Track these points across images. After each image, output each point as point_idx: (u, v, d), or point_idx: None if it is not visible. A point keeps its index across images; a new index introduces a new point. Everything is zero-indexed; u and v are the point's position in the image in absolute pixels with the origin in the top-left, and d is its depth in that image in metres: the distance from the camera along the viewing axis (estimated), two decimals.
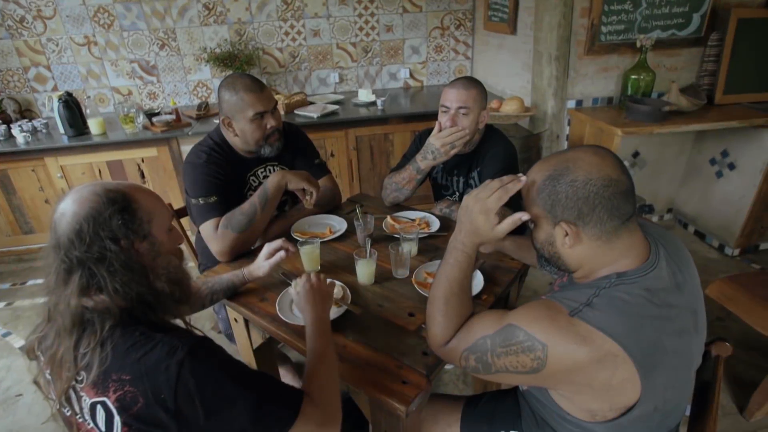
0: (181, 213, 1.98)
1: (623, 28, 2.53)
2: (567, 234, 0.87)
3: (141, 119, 2.92)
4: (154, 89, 3.40)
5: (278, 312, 1.24)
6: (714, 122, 2.40)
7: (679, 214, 3.15)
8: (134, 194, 0.83)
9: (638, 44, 2.48)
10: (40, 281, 2.83)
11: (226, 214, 1.55)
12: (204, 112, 3.10)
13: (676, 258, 0.94)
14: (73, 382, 0.78)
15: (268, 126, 1.64)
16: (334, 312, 1.22)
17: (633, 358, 0.79)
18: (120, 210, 0.79)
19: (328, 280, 1.20)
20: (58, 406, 0.84)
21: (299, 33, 3.41)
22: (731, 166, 2.73)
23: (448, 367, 1.89)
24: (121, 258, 0.79)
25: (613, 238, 0.86)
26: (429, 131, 1.87)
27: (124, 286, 0.78)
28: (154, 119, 2.89)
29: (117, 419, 0.74)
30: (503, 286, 1.37)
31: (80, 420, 0.80)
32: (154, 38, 3.25)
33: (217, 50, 3.26)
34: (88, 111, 2.85)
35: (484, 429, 1.18)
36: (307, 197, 1.64)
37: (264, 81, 2.29)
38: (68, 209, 0.79)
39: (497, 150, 1.70)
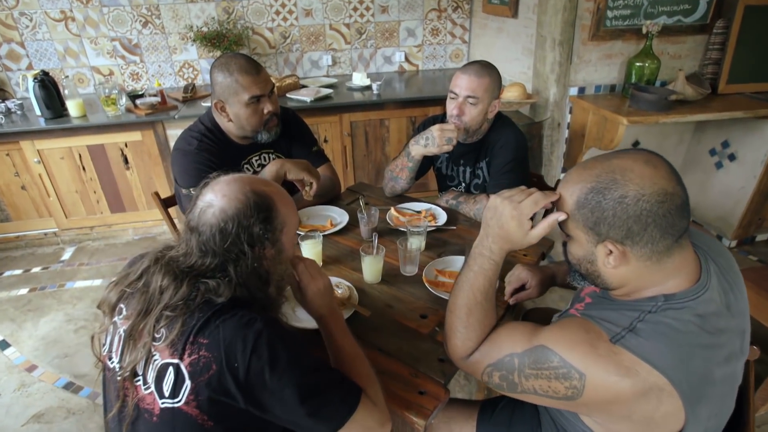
0: (169, 202, 1.85)
1: (629, 13, 2.44)
2: (611, 253, 0.77)
3: (123, 101, 2.75)
4: (137, 69, 3.21)
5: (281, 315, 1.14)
6: (718, 112, 2.33)
7: None
8: (277, 201, 0.85)
9: (644, 30, 2.39)
10: (18, 272, 2.68)
11: None
12: (191, 94, 2.94)
13: (728, 275, 0.85)
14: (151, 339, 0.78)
15: (265, 111, 1.52)
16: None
17: (680, 391, 0.71)
18: (264, 219, 0.82)
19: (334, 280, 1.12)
20: (114, 365, 0.83)
21: (290, 12, 3.24)
22: (731, 157, 2.68)
23: None
24: (251, 262, 0.82)
25: (664, 258, 0.76)
26: (433, 120, 1.76)
27: (243, 286, 0.81)
28: (138, 101, 2.72)
29: (187, 384, 0.73)
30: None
31: (137, 383, 0.78)
32: (136, 15, 3.05)
33: (204, 29, 3.08)
34: (66, 92, 2.66)
35: None
36: (306, 188, 1.53)
37: None
38: (216, 203, 0.81)
39: (508, 139, 1.60)
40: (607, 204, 0.74)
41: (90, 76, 3.17)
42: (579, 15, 2.40)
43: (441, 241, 1.48)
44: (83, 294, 2.51)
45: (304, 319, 1.13)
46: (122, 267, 0.94)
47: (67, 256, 2.88)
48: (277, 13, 3.22)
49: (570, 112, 2.64)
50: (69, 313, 2.38)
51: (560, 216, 0.82)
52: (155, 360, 0.76)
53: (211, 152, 1.51)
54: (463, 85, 1.54)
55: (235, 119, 1.52)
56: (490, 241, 0.91)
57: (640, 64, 2.46)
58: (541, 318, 1.58)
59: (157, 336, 0.77)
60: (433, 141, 1.53)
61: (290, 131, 1.71)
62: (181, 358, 0.74)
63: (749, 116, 2.37)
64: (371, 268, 1.28)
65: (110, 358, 0.84)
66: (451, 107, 1.58)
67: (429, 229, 1.49)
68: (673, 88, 2.40)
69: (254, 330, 0.74)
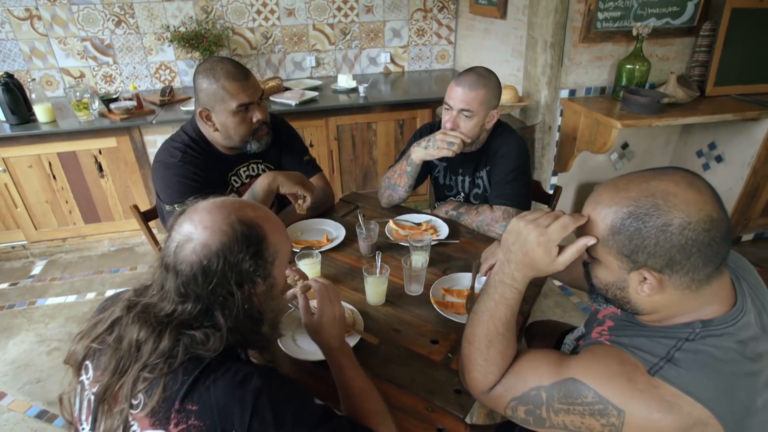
0: (148, 216, 1.72)
1: (619, 15, 2.41)
2: (645, 280, 0.71)
3: (96, 105, 2.59)
4: (109, 71, 3.04)
5: (280, 344, 1.05)
6: (708, 115, 2.33)
7: None
8: (267, 229, 0.74)
9: (634, 32, 2.36)
10: None
11: None
12: (169, 97, 2.79)
13: (759, 292, 0.80)
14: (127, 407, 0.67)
15: (254, 119, 1.42)
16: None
17: (725, 425, 0.66)
18: (254, 253, 0.71)
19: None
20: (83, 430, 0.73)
21: (272, 12, 3.12)
22: (719, 159, 2.69)
23: None
24: (241, 304, 0.71)
25: (703, 286, 0.70)
26: (430, 126, 1.69)
27: (234, 331, 0.70)
28: (113, 105, 2.56)
29: None
30: (530, 302, 1.22)
31: None
32: (108, 14, 2.88)
33: (182, 29, 2.93)
34: (33, 95, 2.48)
35: None
36: (300, 201, 1.43)
37: None
38: (197, 236, 0.69)
39: (510, 147, 1.53)
40: (648, 232, 0.68)
41: (59, 79, 2.99)
42: (570, 17, 2.35)
43: (445, 256, 1.41)
44: (56, 312, 2.35)
45: (306, 350, 1.04)
46: (91, 313, 0.81)
47: (37, 270, 2.70)
48: (258, 12, 3.09)
49: (561, 115, 2.60)
50: (41, 333, 2.21)
51: (590, 240, 0.75)
52: (133, 430, 0.66)
53: (195, 164, 1.40)
54: (457, 97, 1.46)
55: (221, 128, 1.41)
56: (512, 268, 0.83)
57: (631, 66, 2.43)
58: (545, 332, 1.52)
59: (134, 402, 0.65)
60: (434, 144, 1.47)
61: (280, 140, 1.61)
62: (165, 429, 0.63)
63: (737, 118, 2.37)
64: (375, 289, 1.19)
65: (81, 424, 0.73)
66: (445, 119, 1.51)
67: (432, 243, 1.41)
68: (663, 91, 2.38)
69: (252, 388, 0.65)
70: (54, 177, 2.60)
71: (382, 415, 0.82)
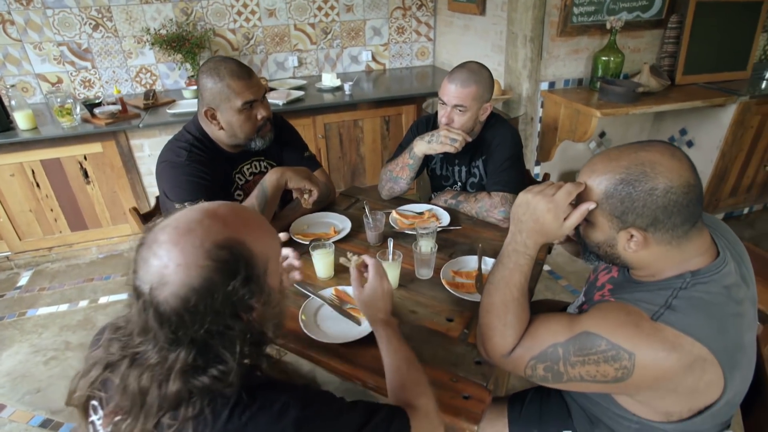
0: (148, 217, 1.73)
1: (593, 10, 2.54)
2: (632, 238, 0.82)
3: (78, 110, 2.55)
4: (88, 76, 2.99)
5: (304, 330, 1.10)
6: (680, 102, 2.47)
7: None
8: (248, 241, 0.63)
9: (608, 26, 2.50)
10: None
11: None
12: (152, 101, 2.77)
13: (736, 247, 0.92)
14: None
15: (259, 116, 1.45)
16: (367, 326, 1.10)
17: (720, 360, 0.76)
18: (244, 278, 0.61)
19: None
20: None
21: (253, 13, 3.13)
22: (689, 144, 2.86)
23: None
24: (243, 333, 0.62)
25: (683, 242, 0.82)
26: (426, 119, 1.75)
27: (240, 361, 0.62)
28: (97, 110, 2.53)
29: None
30: (535, 278, 1.30)
31: None
32: (85, 17, 2.84)
33: (163, 32, 2.91)
34: (13, 102, 2.44)
35: (534, 430, 1.13)
36: (305, 196, 1.48)
37: None
38: (172, 278, 0.58)
39: (504, 136, 1.62)
40: (637, 195, 0.78)
41: (35, 85, 2.93)
42: (548, 12, 2.46)
43: (449, 242, 1.47)
44: (48, 321, 2.32)
45: (332, 335, 1.09)
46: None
47: (23, 281, 2.64)
48: (239, 13, 3.10)
49: (542, 107, 2.71)
50: (35, 343, 2.18)
51: (591, 205, 0.84)
52: None
53: (202, 163, 1.43)
54: (450, 94, 1.54)
55: (227, 127, 1.44)
56: (524, 236, 0.92)
57: (606, 58, 2.56)
58: (545, 309, 1.61)
59: None
60: (438, 139, 1.53)
61: (281, 137, 1.65)
62: None
63: (706, 105, 2.53)
64: (390, 274, 1.24)
65: None
66: (440, 115, 1.59)
67: (437, 229, 1.47)
68: (638, 81, 2.52)
69: (292, 420, 0.62)
70: (38, 185, 2.55)
71: (424, 384, 0.87)
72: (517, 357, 0.91)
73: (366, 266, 1.01)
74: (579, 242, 0.94)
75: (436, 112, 1.65)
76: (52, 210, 2.64)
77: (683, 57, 2.67)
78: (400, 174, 1.65)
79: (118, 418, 0.63)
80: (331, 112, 2.89)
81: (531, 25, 2.45)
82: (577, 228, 0.91)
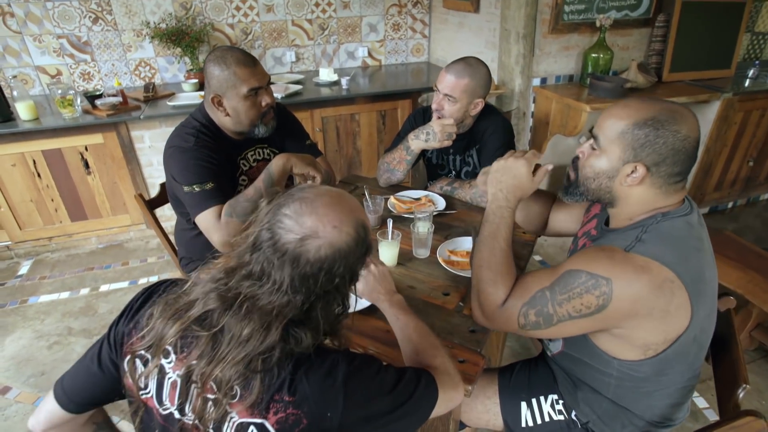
0: (153, 204, 1.80)
1: (584, 8, 2.63)
2: (633, 172, 0.91)
3: (79, 102, 2.60)
4: (87, 69, 3.04)
5: None
6: (665, 98, 2.57)
7: None
8: (367, 221, 0.76)
9: (598, 24, 2.59)
10: None
11: (225, 200, 1.42)
12: (152, 93, 2.82)
13: (702, 222, 1.01)
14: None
15: (263, 103, 1.52)
16: (364, 301, 1.17)
17: (685, 284, 0.86)
18: (364, 252, 0.73)
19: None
20: (170, 411, 0.73)
21: (251, 8, 3.20)
22: None
23: None
24: (341, 299, 0.74)
25: (669, 191, 0.92)
26: (425, 110, 1.83)
27: (325, 325, 0.73)
28: (98, 102, 2.58)
29: None
30: (525, 259, 1.39)
31: None
32: (85, 10, 2.89)
33: (162, 25, 2.97)
34: (15, 93, 2.48)
35: (523, 396, 1.21)
36: (309, 182, 1.55)
37: None
38: (325, 234, 0.68)
39: (496, 126, 1.70)
40: (662, 132, 0.88)
41: (35, 77, 2.97)
42: (539, 9, 2.56)
43: (445, 225, 1.55)
44: (50, 308, 2.37)
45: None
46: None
47: (24, 270, 2.69)
48: (238, 8, 3.17)
49: (534, 102, 2.80)
50: (38, 329, 2.23)
51: (549, 166, 1.12)
52: (231, 418, 0.69)
53: (209, 148, 1.49)
54: (444, 82, 1.62)
55: (233, 113, 1.50)
56: (505, 192, 1.10)
57: (596, 55, 2.66)
58: None
59: (231, 393, 0.68)
60: (434, 136, 1.60)
61: (283, 126, 1.71)
62: (265, 417, 0.67)
63: (691, 101, 2.64)
64: (389, 252, 1.33)
65: (161, 405, 0.75)
66: (433, 101, 1.67)
67: (434, 213, 1.55)
68: (626, 77, 2.62)
69: (341, 376, 0.69)
70: (39, 175, 2.60)
71: (437, 347, 0.94)
72: (509, 306, 1.00)
73: None
74: (570, 175, 1.05)
75: (422, 106, 1.73)
76: (52, 200, 2.68)
77: (670, 55, 2.78)
78: (397, 167, 1.73)
79: (193, 361, 0.69)
80: (328, 106, 2.96)
81: (523, 22, 2.54)
82: (575, 160, 1.02)
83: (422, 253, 1.40)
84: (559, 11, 2.58)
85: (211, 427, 0.70)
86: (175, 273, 2.47)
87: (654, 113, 0.89)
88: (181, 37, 2.95)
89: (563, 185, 1.08)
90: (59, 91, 2.53)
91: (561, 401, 1.17)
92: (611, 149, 0.93)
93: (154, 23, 2.98)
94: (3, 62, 2.88)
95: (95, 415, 0.90)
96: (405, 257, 1.39)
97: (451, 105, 1.62)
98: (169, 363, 0.74)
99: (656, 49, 2.83)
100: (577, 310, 0.91)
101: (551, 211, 1.32)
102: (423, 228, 1.39)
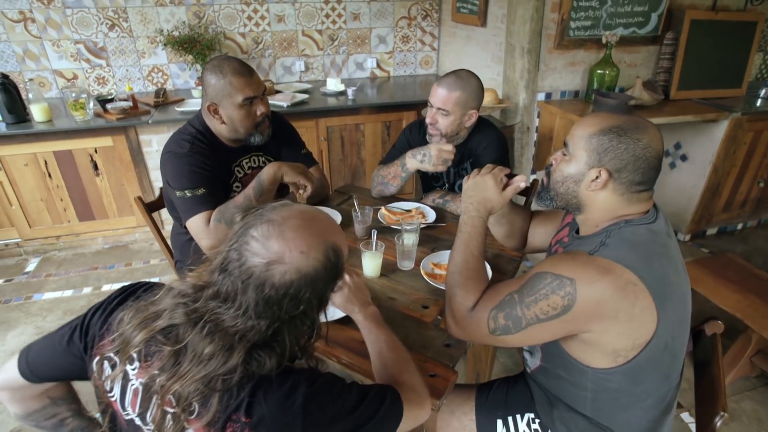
0: (152, 207, 1.84)
1: (590, 24, 2.63)
2: (597, 178, 0.95)
3: (92, 105, 2.69)
4: (102, 73, 3.13)
5: None
6: (672, 116, 2.55)
7: None
8: (344, 252, 0.75)
9: (604, 40, 2.59)
10: None
11: (216, 206, 1.45)
12: (163, 99, 2.90)
13: (665, 217, 1.04)
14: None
15: (258, 112, 1.56)
16: (338, 311, 1.18)
17: (648, 287, 0.87)
18: (334, 276, 0.72)
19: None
20: (132, 417, 0.75)
21: (263, 18, 3.27)
22: (683, 158, 2.93)
23: None
24: (312, 326, 0.74)
25: (633, 198, 0.96)
26: (419, 123, 1.85)
27: (293, 349, 0.72)
28: (109, 106, 2.66)
29: None
30: (509, 275, 1.38)
31: None
32: (102, 17, 2.99)
33: (175, 33, 3.05)
34: (30, 95, 2.57)
35: (500, 414, 1.20)
36: (301, 191, 1.57)
37: None
38: (290, 260, 0.67)
39: (491, 140, 1.71)
40: (624, 140, 0.93)
41: (52, 80, 3.07)
42: (545, 25, 2.56)
43: (432, 238, 1.56)
44: (53, 306, 2.43)
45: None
46: (88, 306, 0.84)
47: (31, 267, 2.76)
48: (249, 18, 3.24)
49: (538, 117, 2.80)
50: (39, 325, 2.29)
51: (522, 183, 1.15)
52: None
53: (203, 155, 1.53)
54: (436, 96, 1.64)
55: (228, 121, 1.54)
56: (475, 205, 1.15)
57: (601, 71, 2.65)
58: None
59: (188, 409, 0.68)
60: (430, 159, 1.62)
61: (279, 134, 1.75)
62: None
63: (698, 120, 2.60)
64: (371, 263, 1.34)
65: (124, 410, 0.76)
66: (426, 116, 1.70)
67: (421, 226, 1.56)
68: (631, 94, 2.60)
69: (301, 398, 0.68)
70: (49, 175, 2.68)
71: (406, 362, 0.96)
72: (479, 310, 1.01)
73: None
74: (544, 180, 1.08)
75: (421, 118, 1.75)
76: (62, 200, 2.76)
77: (678, 73, 2.75)
78: (391, 181, 1.76)
79: (155, 372, 0.70)
80: (333, 115, 3.00)
81: (528, 37, 2.55)
82: (548, 167, 1.06)
83: (407, 265, 1.40)
84: (565, 27, 2.58)
85: None
86: (174, 276, 2.52)
87: (619, 123, 0.94)
88: (193, 44, 3.03)
89: (537, 190, 1.12)
90: (73, 95, 2.62)
91: (537, 420, 1.16)
92: (579, 154, 0.98)
93: (168, 31, 3.07)
94: (23, 65, 2.99)
95: (53, 390, 0.92)
96: (389, 269, 1.40)
97: (444, 118, 1.64)
98: (134, 370, 0.75)
99: (664, 67, 2.81)
100: (545, 311, 0.92)
101: (530, 227, 1.33)
102: (408, 240, 1.39)
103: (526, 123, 2.79)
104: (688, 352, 1.07)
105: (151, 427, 0.73)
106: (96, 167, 2.72)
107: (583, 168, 0.97)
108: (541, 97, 2.75)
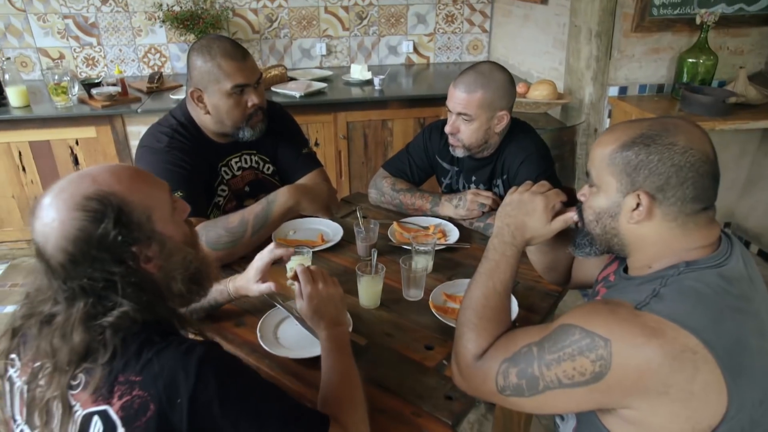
0: None
1: (680, 1, 2.56)
2: (638, 206, 0.89)
3: (76, 90, 2.85)
4: (92, 53, 3.33)
5: (260, 341, 1.20)
6: None
7: (739, 230, 3.19)
8: (121, 192, 0.79)
9: (698, 21, 2.51)
10: None
11: (196, 213, 1.49)
12: (157, 84, 3.05)
13: (744, 251, 0.96)
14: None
15: (249, 103, 1.60)
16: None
17: (715, 355, 0.79)
18: (114, 224, 0.77)
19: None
20: (20, 428, 0.82)
21: None
22: None
23: None
24: (131, 279, 0.79)
25: (689, 223, 0.89)
26: (442, 124, 1.83)
27: (139, 308, 0.78)
28: (94, 91, 2.82)
29: None
30: (542, 314, 1.35)
31: None
32: None
33: (176, 8, 3.20)
34: (7, 76, 2.76)
35: None
36: None
37: None
38: (51, 232, 0.76)
39: (528, 152, 1.67)
40: (654, 149, 0.87)
41: (36, 60, 3.29)
42: (620, 2, 2.52)
43: (452, 262, 1.54)
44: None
45: (287, 347, 1.19)
46: None
47: None
48: None
49: (609, 116, 2.74)
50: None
51: (574, 216, 1.04)
52: (75, 412, 0.76)
53: (184, 151, 1.59)
54: (454, 100, 1.64)
55: (213, 111, 1.60)
56: (512, 228, 1.09)
57: (694, 60, 2.57)
58: None
59: (73, 383, 0.76)
60: (465, 204, 1.66)
61: (277, 129, 1.79)
62: (108, 402, 0.74)
63: None
64: (369, 290, 1.34)
65: (15, 421, 0.84)
66: (447, 125, 1.69)
67: (438, 247, 1.55)
68: (732, 89, 2.50)
69: (196, 357, 0.75)
70: (23, 169, 2.85)
71: (352, 401, 0.95)
72: (489, 359, 0.98)
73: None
74: (577, 223, 1.05)
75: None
76: (36, 197, 2.92)
77: None
78: (409, 210, 1.80)
79: (37, 364, 0.78)
80: (356, 109, 3.05)
81: (598, 17, 2.51)
82: (579, 205, 1.03)
83: (414, 294, 1.39)
84: (647, 4, 2.52)
85: (52, 429, 0.77)
86: None
87: (642, 130, 0.89)
88: (196, 21, 3.17)
89: (572, 238, 1.07)
90: (55, 77, 2.79)
91: None
92: (606, 181, 0.93)
93: (168, 5, 3.23)
94: (4, 41, 3.22)
95: None
96: (392, 298, 1.39)
97: (467, 125, 1.63)
98: (16, 371, 0.83)
99: None
100: (569, 375, 0.87)
101: (575, 259, 1.28)
102: (418, 264, 1.39)
103: (593, 124, 2.73)
104: None
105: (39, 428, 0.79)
106: (76, 161, 2.88)
107: (616, 197, 0.92)
108: (613, 91, 2.69)
